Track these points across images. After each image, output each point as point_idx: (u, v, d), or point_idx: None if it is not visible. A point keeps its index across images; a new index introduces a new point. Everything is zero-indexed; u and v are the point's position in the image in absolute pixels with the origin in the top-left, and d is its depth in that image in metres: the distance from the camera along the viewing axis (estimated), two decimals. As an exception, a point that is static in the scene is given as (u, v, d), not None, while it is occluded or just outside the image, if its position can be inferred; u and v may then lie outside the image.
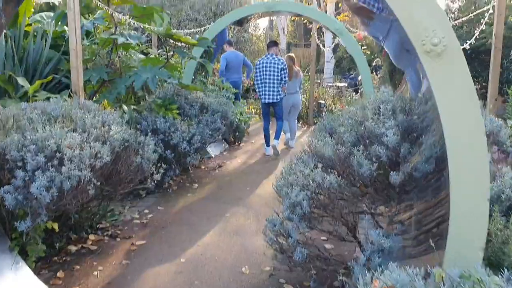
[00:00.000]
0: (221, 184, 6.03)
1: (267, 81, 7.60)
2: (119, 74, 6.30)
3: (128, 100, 6.48)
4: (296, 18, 27.26)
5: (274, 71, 7.55)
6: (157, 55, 8.63)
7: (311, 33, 23.90)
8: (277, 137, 7.94)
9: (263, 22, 32.11)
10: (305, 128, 10.82)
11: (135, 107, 6.13)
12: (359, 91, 16.20)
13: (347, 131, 3.68)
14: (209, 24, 9.77)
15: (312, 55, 11.43)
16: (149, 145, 4.53)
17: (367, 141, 3.46)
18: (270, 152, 7.89)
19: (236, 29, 10.23)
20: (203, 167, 6.87)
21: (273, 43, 7.92)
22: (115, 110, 5.89)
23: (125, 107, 5.92)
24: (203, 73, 8.89)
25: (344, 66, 27.14)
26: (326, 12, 21.36)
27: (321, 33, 23.24)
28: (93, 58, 6.24)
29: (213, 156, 7.56)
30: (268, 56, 7.67)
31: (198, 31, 9.09)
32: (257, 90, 7.91)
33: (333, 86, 14.68)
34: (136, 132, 4.66)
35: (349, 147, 3.48)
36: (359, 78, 19.99)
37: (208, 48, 8.00)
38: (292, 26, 31.70)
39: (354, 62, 24.37)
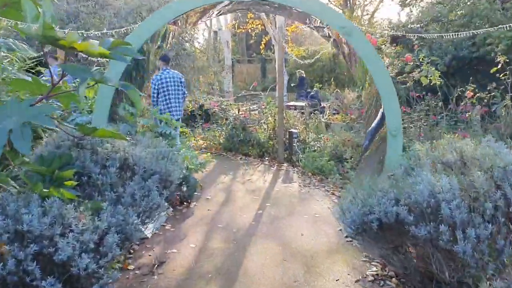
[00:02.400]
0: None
1: (173, 96, 7.33)
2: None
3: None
4: (239, 32, 24.80)
5: (177, 85, 7.36)
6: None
7: (261, 46, 21.49)
8: None
9: (203, 36, 29.45)
10: (274, 168, 8.10)
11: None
12: (326, 111, 13.84)
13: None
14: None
15: (277, 70, 8.76)
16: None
17: None
18: None
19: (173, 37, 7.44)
20: (131, 266, 3.97)
21: (168, 58, 7.62)
22: None
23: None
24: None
25: (295, 82, 24.92)
26: (275, 24, 19.02)
27: (271, 46, 20.88)
28: None
29: (149, 236, 4.68)
30: (168, 70, 7.38)
31: (115, 32, 6.18)
32: (161, 107, 7.28)
33: (303, 107, 12.21)
34: None
35: None
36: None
37: (134, 62, 5.22)
38: (233, 41, 29.25)
39: (306, 77, 21.93)
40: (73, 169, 3.26)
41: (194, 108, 11.86)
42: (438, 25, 9.76)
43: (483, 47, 8.83)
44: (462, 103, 5.72)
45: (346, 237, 4.60)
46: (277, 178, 7.34)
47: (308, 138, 9.12)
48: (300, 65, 25.39)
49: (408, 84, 5.29)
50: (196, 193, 6.19)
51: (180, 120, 7.60)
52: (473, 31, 6.88)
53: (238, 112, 11.79)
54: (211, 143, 9.70)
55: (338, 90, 19.48)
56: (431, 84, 5.30)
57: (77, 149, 3.58)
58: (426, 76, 5.18)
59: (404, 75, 5.34)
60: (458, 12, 9.68)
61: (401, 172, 3.15)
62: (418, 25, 9.59)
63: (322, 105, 14.23)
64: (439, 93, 5.47)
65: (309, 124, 9.90)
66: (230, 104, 13.59)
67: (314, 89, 17.12)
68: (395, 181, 3.05)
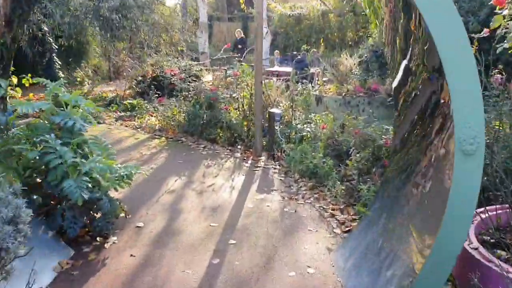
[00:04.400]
0: None
1: None
2: None
3: None
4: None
5: None
6: None
7: (241, 0, 18.82)
8: None
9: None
10: (248, 164, 5.88)
11: None
12: (314, 80, 11.57)
13: None
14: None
15: (257, 25, 6.32)
16: None
17: None
18: None
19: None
20: None
21: None
22: None
23: None
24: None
25: (279, 43, 22.33)
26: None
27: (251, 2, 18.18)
28: None
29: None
30: None
31: None
32: None
33: (288, 74, 9.98)
34: None
35: None
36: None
37: None
38: (212, -5, 26.46)
39: (292, 38, 19.64)
40: None
41: (151, 76, 9.50)
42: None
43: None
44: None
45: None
46: (251, 183, 5.14)
47: (294, 119, 6.91)
48: (286, 24, 22.89)
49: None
50: (125, 215, 4.01)
51: None
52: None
53: (213, 80, 9.48)
54: (168, 123, 7.41)
55: (316, 50, 17.01)
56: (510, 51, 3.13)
57: None
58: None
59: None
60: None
61: None
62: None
63: (311, 72, 11.94)
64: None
65: (296, 100, 7.64)
66: (200, 70, 11.23)
67: (302, 52, 14.75)
68: None
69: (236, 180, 5.19)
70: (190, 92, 7.39)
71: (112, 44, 13.69)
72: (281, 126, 6.61)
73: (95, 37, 14.32)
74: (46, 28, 9.01)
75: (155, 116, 7.97)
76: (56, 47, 9.25)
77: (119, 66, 15.37)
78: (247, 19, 26.80)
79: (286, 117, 7.01)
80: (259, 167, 5.71)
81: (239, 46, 15.56)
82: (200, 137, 6.87)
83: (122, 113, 8.76)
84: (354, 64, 8.99)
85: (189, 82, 7.49)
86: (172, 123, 7.29)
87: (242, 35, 15.99)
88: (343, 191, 4.55)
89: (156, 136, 7.10)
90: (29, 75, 10.09)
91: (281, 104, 7.23)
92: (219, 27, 26.74)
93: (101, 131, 7.53)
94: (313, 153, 5.35)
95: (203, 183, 5.07)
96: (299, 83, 9.80)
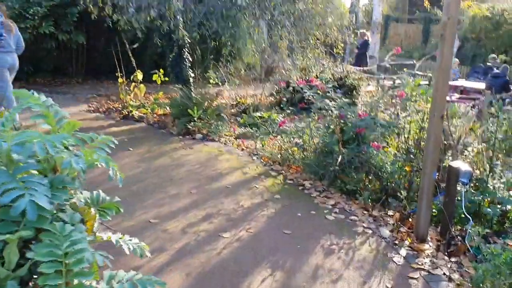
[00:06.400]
0: None
1: None
2: None
3: None
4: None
5: None
6: None
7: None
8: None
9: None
10: (401, 257, 3.37)
11: None
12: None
13: None
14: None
15: (447, 24, 3.69)
16: None
17: None
18: None
19: None
20: None
21: None
22: None
23: None
24: None
25: (467, 51, 18.35)
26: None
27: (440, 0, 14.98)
28: None
29: None
30: None
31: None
32: None
33: (480, 92, 7.16)
34: None
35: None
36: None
37: None
38: (394, -6, 23.58)
39: (485, 46, 15.64)
40: None
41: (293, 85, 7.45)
42: None
43: None
44: None
45: None
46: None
47: (492, 176, 4.15)
48: (479, 28, 18.79)
49: None
50: None
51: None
52: None
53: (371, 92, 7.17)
54: (291, 155, 5.24)
55: (495, 56, 12.70)
56: None
57: None
58: None
59: None
60: None
61: None
62: None
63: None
64: None
65: (494, 140, 4.80)
66: (360, 78, 8.88)
67: (501, 64, 11.18)
68: None
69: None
70: (330, 113, 5.09)
71: (267, 39, 12.11)
72: (468, 188, 3.93)
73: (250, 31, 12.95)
74: (180, 18, 7.63)
75: (273, 143, 5.92)
76: (189, 40, 7.83)
77: (273, 67, 13.79)
78: (430, 22, 23.14)
79: (476, 170, 4.29)
80: (420, 268, 3.17)
81: (361, 51, 12.12)
82: (331, 184, 4.54)
83: (247, 128, 6.90)
84: None
85: (332, 99, 5.17)
86: (296, 155, 5.12)
87: (367, 37, 12.43)
88: None
89: (272, 173, 5.00)
90: (161, 71, 8.90)
91: (468, 149, 4.50)
92: (396, 28, 23.62)
93: (208, 153, 5.74)
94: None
95: (308, 296, 2.79)
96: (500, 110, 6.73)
